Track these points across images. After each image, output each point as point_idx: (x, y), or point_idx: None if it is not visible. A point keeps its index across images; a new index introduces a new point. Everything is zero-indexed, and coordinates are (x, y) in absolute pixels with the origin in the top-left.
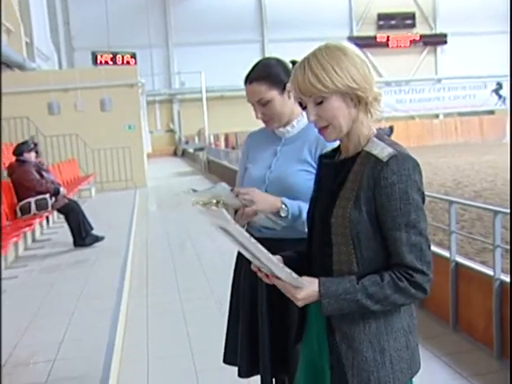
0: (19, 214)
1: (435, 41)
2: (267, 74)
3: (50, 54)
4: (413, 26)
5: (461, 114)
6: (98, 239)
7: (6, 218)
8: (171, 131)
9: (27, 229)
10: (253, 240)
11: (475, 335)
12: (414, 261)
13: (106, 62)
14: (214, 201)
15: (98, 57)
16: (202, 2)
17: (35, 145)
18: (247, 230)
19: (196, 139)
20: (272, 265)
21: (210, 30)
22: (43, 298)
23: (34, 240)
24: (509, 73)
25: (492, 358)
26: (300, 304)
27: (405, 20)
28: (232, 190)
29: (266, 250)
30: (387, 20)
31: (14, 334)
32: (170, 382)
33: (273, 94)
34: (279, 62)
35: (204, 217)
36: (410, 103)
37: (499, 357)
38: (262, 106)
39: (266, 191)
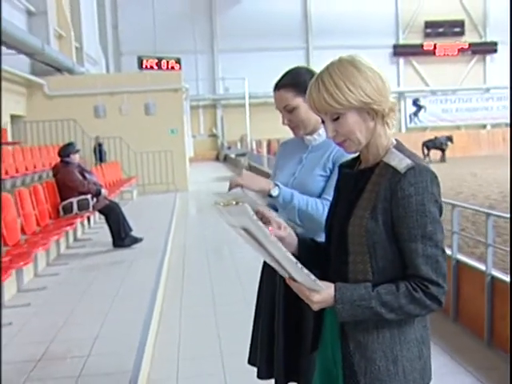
0: (62, 213)
1: (484, 49)
2: (295, 81)
3: (98, 59)
4: (461, 33)
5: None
6: (136, 240)
7: (49, 216)
8: (214, 136)
9: (68, 228)
10: (273, 238)
11: (510, 351)
12: (429, 272)
13: (152, 67)
14: (234, 202)
15: (144, 61)
16: (248, 8)
17: (100, 145)
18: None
19: (238, 145)
20: (290, 265)
21: (254, 36)
22: (81, 296)
23: (75, 239)
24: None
25: None
26: (315, 307)
27: (453, 28)
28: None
29: (284, 249)
30: (435, 28)
31: (52, 329)
32: (199, 381)
33: (298, 101)
34: (308, 71)
35: (223, 217)
36: (456, 113)
37: None
38: (288, 112)
39: None
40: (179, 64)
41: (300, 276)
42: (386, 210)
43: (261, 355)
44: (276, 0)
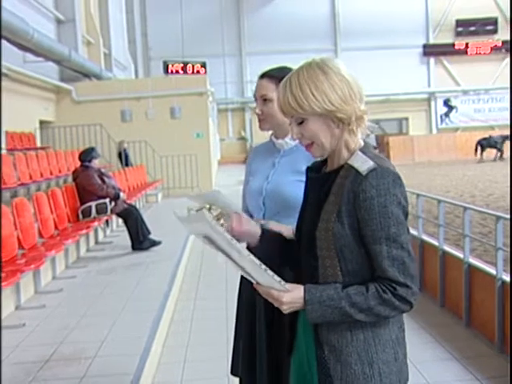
0: (81, 216)
1: None
2: (281, 76)
3: (127, 64)
4: (494, 31)
5: None
6: (155, 243)
7: (68, 220)
8: (243, 139)
9: (84, 231)
10: (234, 242)
11: (510, 352)
12: (396, 274)
13: (177, 71)
14: (208, 206)
15: (170, 66)
16: (275, 11)
17: (125, 150)
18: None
19: None
20: (254, 267)
21: (282, 38)
22: (95, 298)
23: (96, 242)
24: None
25: None
26: (285, 309)
27: (486, 26)
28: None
29: (247, 253)
30: (466, 26)
31: (62, 331)
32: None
33: (276, 96)
34: None
35: (185, 226)
36: (488, 113)
37: None
38: (263, 102)
39: (264, 203)
40: (204, 68)
41: (264, 278)
42: (350, 212)
43: (242, 365)
44: (304, 2)
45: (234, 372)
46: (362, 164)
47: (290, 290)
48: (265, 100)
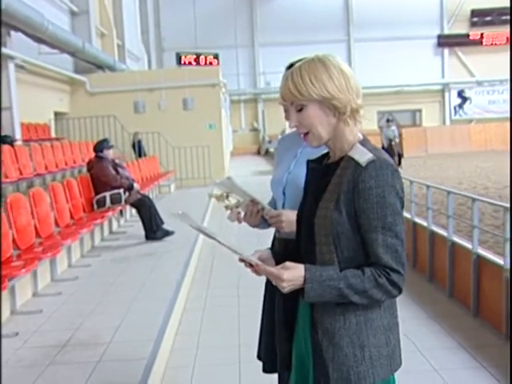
0: (95, 206)
1: None
2: None
3: (140, 55)
4: (510, 21)
5: None
6: (168, 233)
7: (83, 209)
8: (255, 130)
9: (99, 221)
10: (214, 234)
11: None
12: (389, 261)
13: (190, 63)
14: (225, 194)
15: (182, 57)
16: (288, 1)
17: (139, 141)
18: (277, 231)
19: (279, 138)
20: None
21: (295, 29)
22: (109, 286)
23: (110, 232)
24: None
25: None
26: (285, 286)
27: (501, 16)
28: (253, 201)
29: (223, 241)
30: (482, 16)
31: (78, 318)
32: (214, 370)
33: None
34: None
35: (179, 221)
36: (503, 104)
37: None
38: None
39: (284, 192)
40: (217, 59)
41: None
42: (349, 201)
43: (265, 350)
44: None
45: (259, 356)
46: (362, 156)
47: (289, 266)
48: None
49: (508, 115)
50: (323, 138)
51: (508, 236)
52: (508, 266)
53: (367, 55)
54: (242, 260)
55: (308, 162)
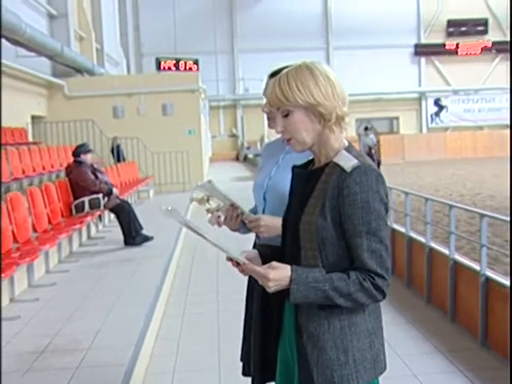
0: (74, 211)
1: (508, 48)
2: None
3: (119, 60)
4: (485, 32)
5: None
6: (147, 239)
7: (62, 214)
8: (234, 136)
9: (78, 226)
10: (202, 231)
11: (503, 352)
12: (374, 266)
13: (169, 68)
14: (206, 198)
15: (162, 63)
16: (268, 8)
17: (118, 146)
18: (257, 236)
19: (258, 145)
20: (220, 248)
21: (274, 36)
22: (88, 292)
23: (89, 237)
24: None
25: None
26: (271, 286)
27: (476, 26)
28: (232, 205)
29: (212, 239)
30: (457, 27)
31: (57, 323)
32: (194, 375)
33: None
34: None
35: (168, 218)
36: (478, 113)
37: None
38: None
39: (265, 197)
40: (197, 65)
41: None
42: (333, 207)
43: (245, 352)
44: (296, 0)
45: (241, 359)
46: (347, 162)
47: (276, 266)
48: None
49: (482, 124)
50: (307, 144)
51: (484, 242)
52: (484, 271)
53: (346, 63)
54: (229, 259)
55: (293, 167)
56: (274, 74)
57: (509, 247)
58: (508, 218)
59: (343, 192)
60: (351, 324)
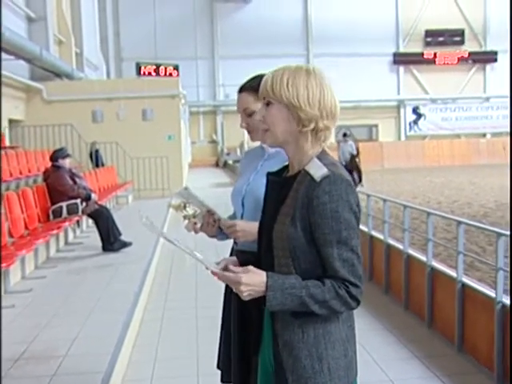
0: (51, 216)
1: (484, 58)
2: (258, 84)
3: (99, 64)
4: (461, 42)
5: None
6: (125, 245)
7: (39, 220)
8: (214, 142)
9: (55, 231)
10: (178, 243)
11: (479, 357)
12: (346, 274)
13: (150, 73)
14: (183, 204)
15: (142, 68)
16: (249, 15)
17: (97, 151)
18: (235, 243)
19: (238, 151)
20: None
21: (255, 43)
22: (66, 298)
23: (66, 243)
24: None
25: (492, 381)
26: (244, 290)
27: (453, 37)
28: (209, 211)
29: (188, 250)
30: (435, 37)
31: (33, 330)
32: (172, 382)
33: (259, 106)
34: None
35: (148, 230)
36: (455, 121)
37: (500, 381)
38: (247, 116)
39: (243, 203)
40: (177, 70)
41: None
42: (303, 216)
43: (223, 359)
44: (277, 7)
45: (218, 366)
46: (317, 171)
47: (251, 270)
48: (248, 114)
49: (459, 132)
50: (278, 139)
51: (461, 249)
52: (461, 278)
53: (326, 70)
54: (207, 268)
55: (268, 174)
56: (245, 88)
57: (509, 262)
58: (483, 225)
59: (312, 202)
60: (326, 333)
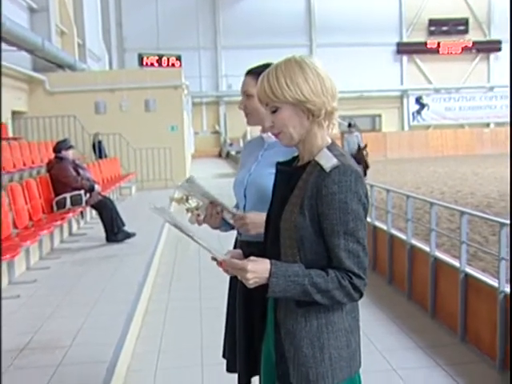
0: (55, 208)
1: (488, 48)
2: (262, 72)
3: (101, 55)
4: (465, 32)
5: None
6: (129, 235)
7: (43, 211)
8: (217, 133)
9: (59, 222)
10: (189, 231)
11: (481, 347)
12: (351, 266)
13: (152, 64)
14: (185, 197)
15: (144, 58)
16: (251, 5)
17: (99, 142)
18: (239, 233)
19: (240, 142)
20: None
21: (258, 33)
22: (69, 289)
23: (70, 234)
24: None
25: (494, 370)
26: (249, 278)
27: (457, 26)
28: (212, 202)
29: (197, 237)
30: (439, 26)
31: (38, 321)
32: (176, 372)
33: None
34: None
35: (157, 215)
36: (459, 111)
37: (501, 369)
38: (246, 97)
39: (245, 194)
40: (180, 61)
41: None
42: (312, 206)
43: (228, 348)
44: None
45: (224, 355)
46: (327, 161)
47: (254, 259)
48: (248, 96)
49: (463, 122)
50: (294, 139)
51: (464, 239)
52: (464, 268)
53: (329, 60)
54: (213, 258)
55: (277, 163)
56: (251, 72)
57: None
58: (486, 215)
59: (321, 192)
60: (328, 322)
